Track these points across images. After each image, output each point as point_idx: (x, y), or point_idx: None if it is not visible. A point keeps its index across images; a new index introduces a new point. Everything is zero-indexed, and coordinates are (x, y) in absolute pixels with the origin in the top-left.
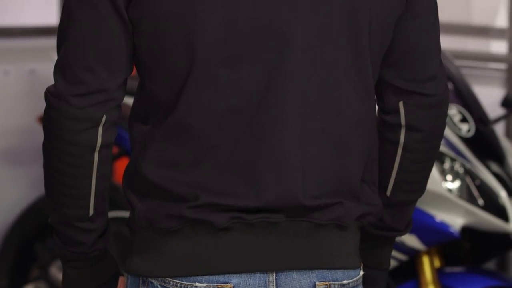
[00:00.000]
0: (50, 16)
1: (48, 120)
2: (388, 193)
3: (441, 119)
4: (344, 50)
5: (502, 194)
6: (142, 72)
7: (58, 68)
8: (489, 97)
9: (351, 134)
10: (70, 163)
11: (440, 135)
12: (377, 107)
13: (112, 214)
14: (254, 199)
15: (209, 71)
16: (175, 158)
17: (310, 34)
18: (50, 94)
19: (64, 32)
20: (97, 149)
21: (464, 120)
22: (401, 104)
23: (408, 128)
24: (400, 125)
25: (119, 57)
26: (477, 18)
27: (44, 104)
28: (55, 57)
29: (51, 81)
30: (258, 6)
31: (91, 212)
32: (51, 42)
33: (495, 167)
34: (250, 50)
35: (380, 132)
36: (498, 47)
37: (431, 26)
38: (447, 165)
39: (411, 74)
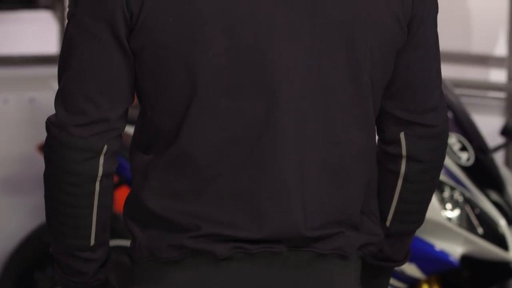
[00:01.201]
0: (50, 45)
1: (49, 149)
2: (388, 223)
3: (442, 150)
4: (344, 82)
5: (502, 222)
6: (144, 101)
7: (59, 98)
8: (489, 125)
9: (351, 165)
10: (71, 193)
11: (440, 166)
12: (377, 137)
13: (112, 243)
14: (255, 230)
15: (210, 101)
16: (176, 188)
17: (310, 65)
18: (51, 124)
19: (65, 62)
20: (98, 179)
21: (463, 148)
22: (402, 134)
23: (409, 158)
24: (401, 156)
25: (120, 87)
26: (477, 47)
27: (44, 133)
28: (55, 85)
29: (51, 109)
30: (258, 36)
31: (92, 241)
32: (51, 70)
33: (494, 195)
34: (250, 80)
35: (381, 162)
36: (497, 75)
37: (433, 57)
38: (446, 193)
39: (413, 105)
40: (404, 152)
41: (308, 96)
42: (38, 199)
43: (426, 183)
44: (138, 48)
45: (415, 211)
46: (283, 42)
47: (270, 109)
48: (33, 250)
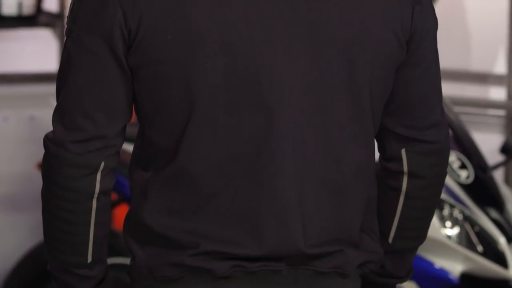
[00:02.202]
0: (50, 63)
1: (47, 166)
2: (390, 240)
3: (443, 166)
4: (343, 99)
5: (501, 240)
6: (142, 118)
7: (57, 115)
8: (488, 143)
9: (350, 183)
10: (69, 210)
11: (441, 182)
12: (377, 154)
13: (111, 260)
14: (255, 247)
15: (209, 118)
16: (175, 205)
17: (308, 83)
18: (48, 141)
19: (63, 79)
20: (95, 195)
21: (463, 166)
22: (403, 151)
23: (411, 175)
24: (402, 172)
25: (118, 104)
26: (476, 65)
27: (44, 150)
28: (54, 103)
29: (50, 127)
30: (257, 54)
31: (89, 258)
32: (51, 88)
33: (494, 213)
34: (249, 97)
35: (381, 179)
36: (497, 93)
37: (433, 74)
38: (446, 211)
39: (413, 122)
40: (405, 168)
41: (307, 113)
42: (37, 217)
43: (427, 199)
44: (136, 65)
45: (417, 228)
46: (282, 60)
47: (268, 126)
48: (32, 269)
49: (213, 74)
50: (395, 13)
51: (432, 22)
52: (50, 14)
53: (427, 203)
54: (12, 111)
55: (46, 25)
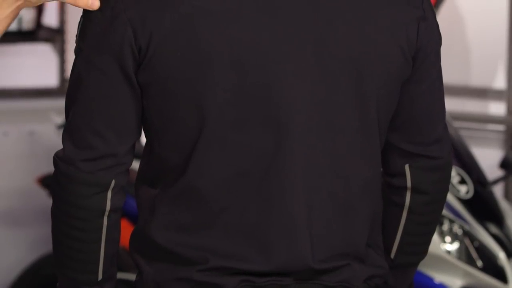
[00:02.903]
0: (50, 78)
1: (57, 184)
2: (392, 255)
3: (446, 181)
4: (351, 116)
5: (501, 255)
6: (151, 136)
7: (67, 133)
8: (488, 158)
9: (357, 198)
10: (80, 228)
11: (444, 197)
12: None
13: None
14: (263, 263)
15: (218, 135)
16: (184, 221)
17: (317, 99)
18: (58, 159)
19: (73, 97)
20: (106, 213)
21: (462, 181)
22: (407, 167)
23: (414, 190)
24: (405, 188)
25: (128, 122)
26: (476, 80)
27: (43, 165)
28: (54, 118)
29: (50, 142)
30: (266, 71)
31: (100, 276)
32: (51, 103)
33: (493, 228)
34: (258, 114)
35: (384, 194)
36: (497, 108)
37: (437, 90)
38: (445, 226)
39: (417, 137)
40: (409, 184)
41: (315, 130)
42: (37, 232)
43: (430, 214)
44: (146, 83)
45: (419, 243)
46: (291, 76)
47: (277, 142)
48: (32, 283)
49: (223, 92)
50: (401, 29)
51: (437, 39)
52: (50, 29)
53: (429, 218)
54: (11, 126)
55: (46, 40)
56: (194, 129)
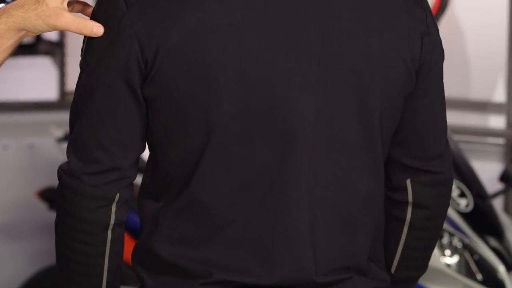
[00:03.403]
0: (50, 91)
1: (61, 198)
2: (393, 270)
3: (447, 196)
4: (354, 130)
5: (501, 269)
6: (156, 149)
7: (72, 146)
8: (487, 171)
9: (360, 212)
10: (84, 241)
11: (445, 212)
12: None
13: None
14: (267, 276)
15: (223, 148)
16: (187, 234)
17: (322, 114)
18: (63, 172)
19: (78, 111)
20: (110, 227)
21: (462, 195)
22: (408, 181)
23: (415, 205)
24: (407, 202)
25: (133, 136)
26: (475, 93)
27: (43, 179)
28: (54, 132)
29: (50, 155)
30: (272, 85)
31: None
32: (51, 117)
33: (493, 242)
34: (262, 127)
35: (386, 209)
36: (496, 122)
37: (439, 104)
38: (445, 240)
39: (419, 152)
40: (410, 199)
41: (320, 143)
42: (36, 245)
43: (431, 229)
44: (151, 96)
45: (419, 258)
46: (296, 90)
47: (282, 156)
48: None
49: (228, 105)
50: (405, 44)
51: (439, 54)
52: (49, 42)
53: (430, 233)
54: (11, 139)
55: (46, 53)
56: (200, 142)
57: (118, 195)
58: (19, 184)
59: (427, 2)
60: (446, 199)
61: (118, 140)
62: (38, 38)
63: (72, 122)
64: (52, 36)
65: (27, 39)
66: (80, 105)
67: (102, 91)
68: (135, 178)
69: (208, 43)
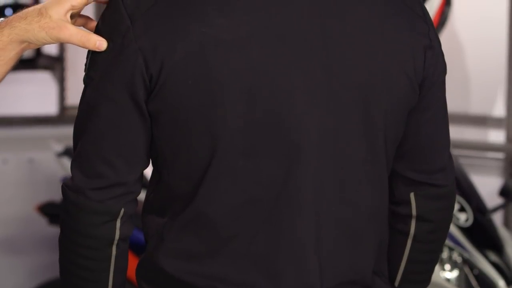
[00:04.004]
0: (49, 105)
1: (66, 214)
2: (396, 283)
3: (450, 210)
4: (359, 144)
5: (501, 283)
6: (160, 164)
7: (76, 162)
8: (487, 186)
9: (365, 226)
10: (88, 257)
11: (448, 226)
12: None
13: None
14: None
15: (228, 163)
16: (192, 249)
17: (326, 128)
18: (67, 188)
19: (82, 126)
20: (115, 242)
21: (462, 209)
22: (412, 195)
23: (419, 218)
24: (410, 216)
25: (138, 151)
26: (475, 108)
27: (43, 193)
28: (54, 146)
29: (50, 170)
30: (276, 99)
31: None
32: (50, 131)
33: (493, 256)
34: (267, 141)
35: (389, 223)
36: (496, 136)
37: (442, 118)
38: (445, 254)
39: (423, 166)
40: (414, 212)
41: (324, 158)
42: (36, 260)
43: (434, 243)
44: (156, 111)
45: (423, 271)
46: (301, 104)
47: (287, 170)
48: None
49: (233, 120)
50: (408, 57)
51: (442, 67)
52: (49, 57)
53: (433, 246)
54: (11, 154)
55: (46, 67)
56: (205, 157)
57: (123, 210)
58: (19, 198)
59: (429, 16)
60: (449, 212)
61: (123, 155)
62: (38, 53)
63: (76, 137)
64: (52, 50)
65: (27, 54)
66: (85, 120)
67: (106, 106)
68: (139, 193)
69: (213, 58)
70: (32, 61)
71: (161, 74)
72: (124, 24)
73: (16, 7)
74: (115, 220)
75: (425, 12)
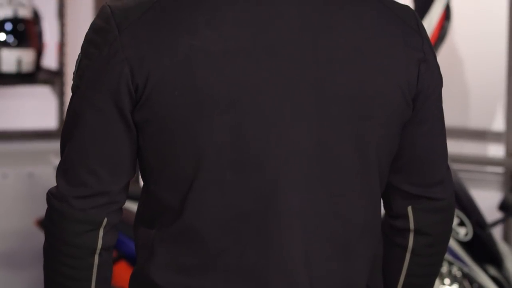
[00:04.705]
0: (49, 120)
1: (49, 221)
2: None
3: (449, 223)
4: (350, 157)
5: None
6: (147, 175)
7: (61, 170)
8: (487, 200)
9: (357, 240)
10: (70, 265)
11: (447, 239)
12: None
13: None
14: None
15: (215, 176)
16: (182, 262)
17: (316, 141)
18: (51, 196)
19: (68, 134)
20: (98, 251)
21: (461, 224)
22: (409, 208)
23: (417, 232)
24: (408, 230)
25: (122, 161)
26: (474, 122)
27: (42, 208)
28: (54, 160)
29: (49, 184)
30: (263, 112)
31: None
32: (50, 145)
33: (493, 271)
34: (255, 155)
35: (388, 237)
36: (495, 150)
37: (438, 131)
38: (445, 269)
39: (420, 179)
40: (412, 226)
41: (314, 170)
42: (36, 274)
43: (433, 256)
44: (142, 122)
45: (422, 285)
46: (289, 118)
47: (275, 183)
48: None
49: (220, 132)
50: (401, 71)
51: (438, 80)
52: (49, 72)
53: (433, 260)
54: (11, 168)
55: (45, 82)
56: (191, 169)
57: (106, 219)
58: (18, 212)
59: (424, 28)
60: (448, 225)
61: (107, 164)
62: (38, 67)
63: (62, 145)
64: (52, 65)
65: (27, 68)
66: (70, 128)
67: (92, 114)
68: (124, 203)
69: (200, 69)
70: (31, 75)
71: (147, 84)
72: (111, 33)
73: (16, 22)
74: (98, 229)
75: (419, 25)
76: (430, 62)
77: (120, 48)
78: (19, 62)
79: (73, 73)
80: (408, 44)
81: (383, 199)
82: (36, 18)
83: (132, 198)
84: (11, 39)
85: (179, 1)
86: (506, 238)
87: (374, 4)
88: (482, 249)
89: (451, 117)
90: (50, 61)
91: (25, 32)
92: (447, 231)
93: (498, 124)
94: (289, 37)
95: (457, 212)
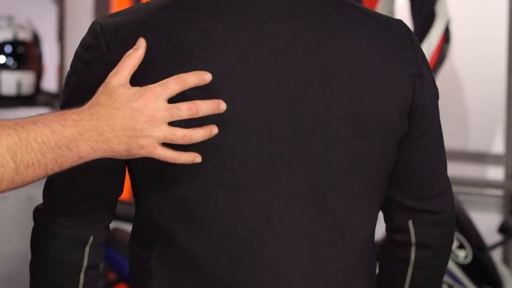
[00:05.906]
0: None
1: (36, 238)
2: None
3: (450, 235)
4: (347, 175)
5: None
6: (138, 195)
7: (47, 187)
8: (486, 223)
9: (356, 259)
10: (56, 283)
11: (449, 250)
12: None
13: None
14: None
15: (208, 196)
16: (177, 284)
17: (311, 158)
18: (38, 213)
19: None
20: (83, 269)
21: (461, 246)
22: (410, 222)
23: (418, 245)
24: (410, 243)
25: (109, 181)
26: (474, 145)
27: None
28: None
29: None
30: (256, 132)
31: None
32: None
33: None
34: (249, 176)
35: (390, 251)
36: (495, 173)
37: (436, 144)
38: None
39: (419, 193)
40: (413, 239)
41: (310, 190)
42: None
43: (436, 268)
44: None
45: None
46: (282, 135)
47: (270, 205)
48: None
49: (210, 153)
50: (396, 87)
51: (433, 94)
52: (49, 94)
53: (435, 272)
54: (10, 191)
55: (45, 105)
56: (184, 190)
57: (92, 237)
58: (17, 235)
59: (417, 42)
60: (450, 237)
61: (93, 184)
62: (38, 90)
63: None
64: (52, 87)
65: (27, 91)
66: None
67: None
68: (110, 221)
69: (190, 90)
70: (31, 98)
71: None
72: (100, 51)
73: (16, 44)
74: (84, 247)
75: (412, 39)
76: (425, 77)
77: (110, 66)
78: (19, 85)
79: (62, 90)
80: (401, 60)
81: (383, 213)
82: (36, 40)
83: (128, 219)
84: (11, 61)
85: (169, 20)
86: (506, 261)
87: (367, 20)
88: (481, 272)
89: (451, 139)
90: (50, 83)
91: (25, 54)
92: (449, 243)
93: (498, 146)
94: (283, 57)
95: (457, 234)
